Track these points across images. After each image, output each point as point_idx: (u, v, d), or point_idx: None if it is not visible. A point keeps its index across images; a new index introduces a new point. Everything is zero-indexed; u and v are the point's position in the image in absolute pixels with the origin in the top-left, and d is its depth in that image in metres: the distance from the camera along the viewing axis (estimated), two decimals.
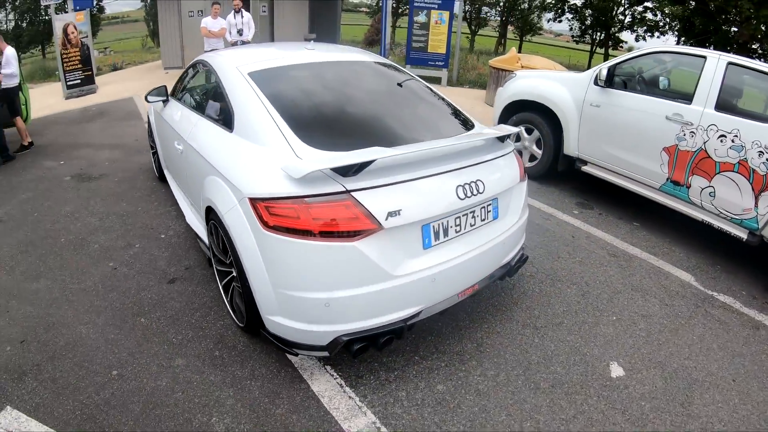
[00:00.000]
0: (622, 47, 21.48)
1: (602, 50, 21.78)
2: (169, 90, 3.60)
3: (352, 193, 1.70)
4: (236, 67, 2.41)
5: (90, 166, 5.02)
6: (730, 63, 3.09)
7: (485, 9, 28.51)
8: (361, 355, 1.92)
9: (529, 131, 4.47)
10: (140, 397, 2.00)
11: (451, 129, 2.45)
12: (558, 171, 4.41)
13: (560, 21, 23.10)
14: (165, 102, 3.56)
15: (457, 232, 2.04)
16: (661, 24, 18.41)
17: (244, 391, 2.04)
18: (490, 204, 2.20)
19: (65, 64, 8.53)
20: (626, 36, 20.96)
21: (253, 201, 1.76)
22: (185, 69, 3.54)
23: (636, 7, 19.09)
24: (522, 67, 6.57)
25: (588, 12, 21.20)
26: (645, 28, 18.97)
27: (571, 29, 23.36)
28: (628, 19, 20.36)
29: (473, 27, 28.85)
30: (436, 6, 8.36)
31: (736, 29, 11.72)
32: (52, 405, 1.94)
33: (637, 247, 3.52)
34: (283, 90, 2.25)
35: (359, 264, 1.72)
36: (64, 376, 2.10)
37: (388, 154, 1.75)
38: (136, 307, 2.62)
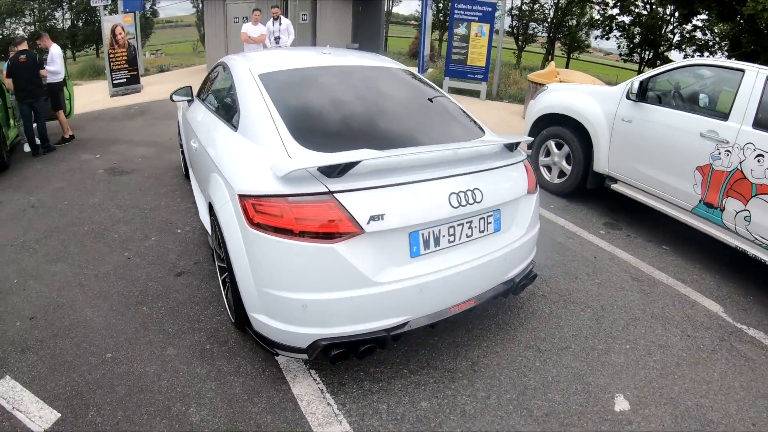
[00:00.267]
0: None
1: (650, 69, 21.16)
2: (195, 91, 3.84)
3: (335, 195, 1.73)
4: (249, 68, 2.55)
5: (123, 161, 5.41)
6: None
7: (533, 24, 28.55)
8: (339, 361, 1.93)
9: (559, 146, 4.38)
10: (127, 381, 2.12)
11: (456, 135, 2.45)
12: (587, 189, 4.28)
13: (608, 38, 22.90)
14: (190, 102, 3.80)
15: (450, 242, 2.02)
16: (710, 43, 17.75)
17: (225, 386, 2.12)
18: (490, 215, 2.17)
19: (112, 64, 9.29)
20: (675, 55, 20.30)
21: (242, 198, 1.84)
22: (210, 70, 3.77)
23: (685, 26, 18.57)
24: (560, 81, 6.47)
25: (636, 30, 20.97)
26: (694, 47, 18.34)
27: (619, 47, 22.97)
28: (677, 38, 19.90)
29: (520, 42, 28.97)
30: (477, 18, 8.42)
31: None
32: (47, 379, 2.10)
33: (664, 272, 3.34)
34: (288, 91, 2.35)
35: (338, 267, 1.74)
36: (62, 354, 2.27)
37: (373, 156, 1.78)
38: (140, 296, 2.79)
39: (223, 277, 2.56)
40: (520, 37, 28.82)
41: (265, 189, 1.78)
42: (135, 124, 7.36)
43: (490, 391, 2.16)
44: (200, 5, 25.79)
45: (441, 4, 25.39)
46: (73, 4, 28.73)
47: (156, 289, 2.87)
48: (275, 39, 8.65)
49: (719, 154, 3.02)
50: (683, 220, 3.38)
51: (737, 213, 2.99)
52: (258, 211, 1.78)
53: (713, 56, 17.38)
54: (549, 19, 27.12)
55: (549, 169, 4.59)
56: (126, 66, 9.51)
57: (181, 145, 4.68)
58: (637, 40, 21.27)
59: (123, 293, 2.82)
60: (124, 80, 9.54)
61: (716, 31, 15.58)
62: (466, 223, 2.06)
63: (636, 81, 3.53)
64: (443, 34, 25.51)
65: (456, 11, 8.52)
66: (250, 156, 2.06)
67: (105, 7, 9.74)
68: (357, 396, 2.08)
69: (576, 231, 3.88)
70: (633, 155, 3.63)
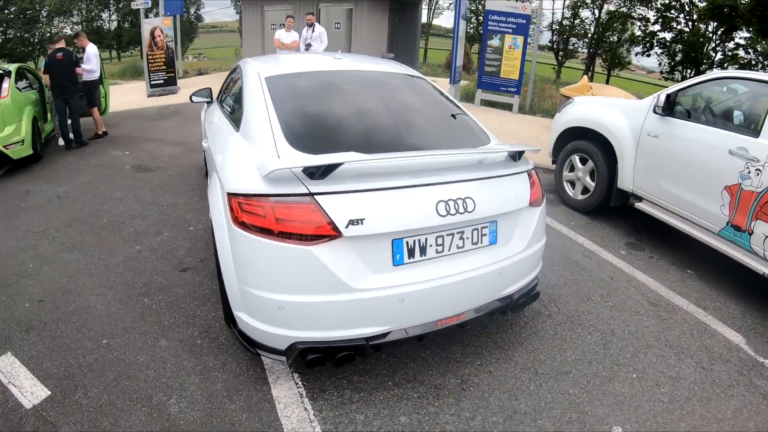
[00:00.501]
0: None
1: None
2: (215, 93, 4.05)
3: (315, 197, 1.76)
4: (258, 71, 2.67)
5: (151, 159, 5.74)
6: None
7: (573, 40, 28.40)
8: (316, 366, 1.96)
9: (583, 161, 4.29)
10: (117, 367, 2.24)
11: (457, 143, 2.45)
12: (611, 207, 4.15)
13: (648, 55, 22.62)
14: (209, 103, 4.00)
15: (438, 252, 2.01)
16: (753, 62, 16.99)
17: (208, 381, 2.20)
18: (485, 227, 2.15)
19: (150, 65, 9.90)
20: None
21: (230, 196, 1.92)
22: (228, 73, 3.97)
23: (727, 44, 17.98)
24: (593, 95, 6.33)
25: (677, 47, 20.64)
26: (737, 66, 17.65)
27: (660, 65, 22.49)
28: (718, 56, 19.34)
29: (560, 58, 28.87)
30: (510, 30, 8.41)
31: None
32: (44, 359, 2.26)
33: (685, 297, 3.18)
34: (290, 94, 2.44)
35: (314, 270, 1.76)
36: (62, 336, 2.44)
37: (356, 159, 1.82)
38: (144, 288, 2.95)
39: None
40: (560, 53, 28.81)
41: (250, 188, 1.85)
42: (167, 123, 7.79)
43: (476, 412, 2.12)
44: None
45: (481, 17, 25.62)
46: (120, 6, 30.81)
47: (160, 282, 3.03)
48: (306, 46, 8.93)
49: (749, 173, 2.87)
50: (708, 243, 3.22)
51: (767, 237, 2.82)
52: (244, 210, 1.84)
53: None
54: (589, 35, 27.00)
55: (573, 184, 4.50)
56: (164, 68, 10.09)
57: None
58: (678, 57, 20.97)
59: (128, 284, 2.98)
60: (161, 81, 10.13)
61: (759, 49, 14.93)
62: (457, 233, 2.05)
63: (663, 94, 3.42)
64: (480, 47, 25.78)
65: (490, 23, 8.55)
66: (244, 156, 2.14)
67: (149, 9, 10.40)
68: (335, 404, 2.10)
69: (595, 250, 3.77)
70: (658, 172, 3.50)
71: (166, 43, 9.96)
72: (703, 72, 19.68)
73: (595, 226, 4.21)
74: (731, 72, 3.37)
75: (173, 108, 9.00)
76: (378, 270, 1.89)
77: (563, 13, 28.52)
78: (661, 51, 21.82)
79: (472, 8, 25.97)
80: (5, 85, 4.89)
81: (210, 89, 3.97)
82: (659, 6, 20.38)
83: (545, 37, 30.09)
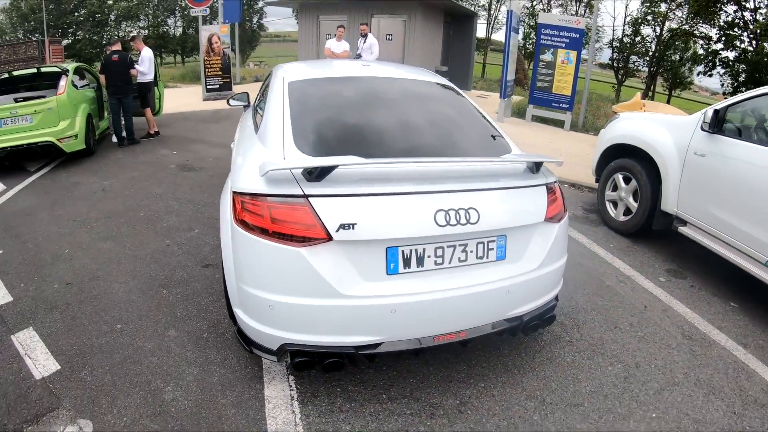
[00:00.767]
0: None
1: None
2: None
3: (310, 199, 1.79)
4: (284, 76, 2.80)
5: (196, 160, 6.13)
6: None
7: (633, 58, 27.57)
8: (303, 369, 2.00)
9: (627, 180, 4.10)
10: (125, 351, 2.41)
11: (474, 151, 2.42)
12: (653, 230, 3.92)
13: (710, 75, 21.41)
14: (246, 107, 4.23)
15: (437, 264, 1.98)
16: None
17: (206, 373, 2.30)
18: (492, 240, 2.09)
19: (207, 70, 10.61)
20: None
21: (235, 195, 2.01)
22: (265, 78, 4.19)
23: None
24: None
25: (741, 67, 19.27)
26: None
27: (722, 85, 21.13)
28: None
29: (620, 76, 28.19)
30: (563, 45, 8.25)
31: None
32: (61, 336, 2.47)
33: (725, 332, 2.91)
34: (308, 98, 2.53)
35: (303, 273, 1.79)
36: (81, 318, 2.65)
37: (351, 162, 1.85)
38: (165, 280, 3.14)
39: None
40: (620, 71, 28.16)
41: (251, 188, 1.92)
42: (218, 127, 8.29)
43: None
44: None
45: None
46: (185, 12, 33.23)
47: (181, 276, 3.21)
48: (357, 56, 9.19)
49: None
50: (755, 274, 2.95)
51: None
52: (245, 209, 1.92)
53: None
54: (650, 53, 26.14)
55: (615, 204, 4.31)
56: (219, 73, 10.78)
57: None
58: (742, 78, 19.56)
59: (151, 275, 3.20)
60: (217, 86, 10.81)
61: None
62: (459, 245, 2.01)
63: (711, 109, 3.21)
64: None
65: (542, 36, 8.43)
66: (255, 157, 2.23)
67: (206, 17, 11.19)
68: (324, 410, 2.11)
69: (631, 275, 3.56)
70: (705, 194, 3.27)
71: (223, 50, 10.64)
72: None
73: (636, 250, 3.99)
74: None
75: (225, 112, 9.56)
76: (370, 278, 1.88)
77: (624, 30, 27.96)
78: (723, 71, 20.67)
79: (531, 23, 25.76)
80: (62, 82, 5.46)
81: (247, 93, 4.20)
82: (722, 24, 19.35)
83: (605, 55, 29.47)
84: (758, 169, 2.90)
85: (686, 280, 3.57)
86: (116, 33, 30.71)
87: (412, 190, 1.91)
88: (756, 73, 18.30)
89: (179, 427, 1.97)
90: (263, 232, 1.85)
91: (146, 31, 32.64)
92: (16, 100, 5.43)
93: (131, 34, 30.07)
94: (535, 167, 2.29)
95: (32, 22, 29.19)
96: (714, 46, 20.72)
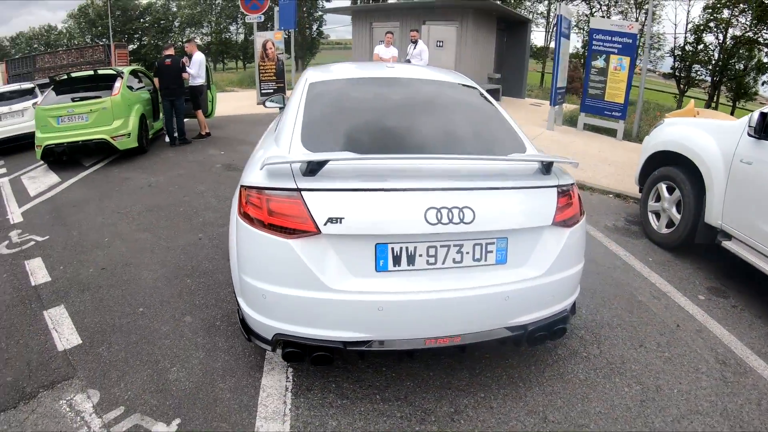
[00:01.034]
0: None
1: None
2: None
3: (302, 192, 1.86)
4: (307, 78, 2.93)
5: (242, 160, 6.41)
6: None
7: (696, 67, 25.99)
8: (293, 361, 2.06)
9: (670, 190, 3.85)
10: (142, 333, 2.60)
11: (480, 150, 2.38)
12: (698, 244, 3.65)
13: None
14: (282, 109, 4.43)
15: (430, 264, 1.97)
16: None
17: (211, 359, 2.43)
18: (491, 242, 2.04)
19: (261, 75, 11.17)
20: None
21: (241, 188, 2.12)
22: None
23: None
24: None
25: None
26: None
27: None
28: None
29: (682, 86, 26.76)
30: (616, 51, 7.88)
31: None
32: (87, 314, 2.72)
33: (765, 359, 2.63)
34: (323, 98, 2.61)
35: (292, 264, 1.85)
36: (108, 299, 2.90)
37: (341, 158, 1.90)
38: (190, 270, 3.36)
39: None
40: (681, 81, 26.77)
41: (254, 182, 2.03)
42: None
43: None
44: None
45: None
46: (247, 20, 35.19)
47: (206, 267, 3.42)
48: (406, 62, 9.30)
49: None
50: None
51: None
52: (249, 202, 2.02)
53: None
54: (713, 62, 24.58)
55: (658, 216, 4.05)
56: (273, 78, 11.31)
57: None
58: None
59: (179, 265, 3.42)
60: (271, 90, 11.35)
61: None
62: (454, 246, 1.98)
63: (757, 113, 2.94)
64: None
65: (594, 42, 8.11)
66: (265, 154, 2.35)
67: (265, 24, 11.79)
68: (315, 404, 2.16)
69: (668, 291, 3.32)
70: (751, 206, 2.98)
71: (277, 56, 11.17)
72: None
73: (677, 265, 3.72)
74: None
75: (276, 115, 10.00)
76: (359, 274, 1.91)
77: (686, 37, 26.40)
78: None
79: (586, 28, 24.97)
80: (117, 84, 6.00)
81: (283, 95, 4.40)
82: None
83: (667, 64, 27.79)
84: None
85: (728, 299, 3.29)
86: (180, 39, 32.95)
87: (403, 186, 1.92)
88: None
89: (176, 404, 2.10)
90: (260, 223, 1.94)
91: (209, 37, 34.56)
92: (73, 100, 6.03)
93: (195, 40, 32.18)
94: (546, 168, 2.21)
95: (99, 28, 31.95)
96: None
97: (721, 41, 24.47)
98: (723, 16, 23.76)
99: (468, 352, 2.51)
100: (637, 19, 25.67)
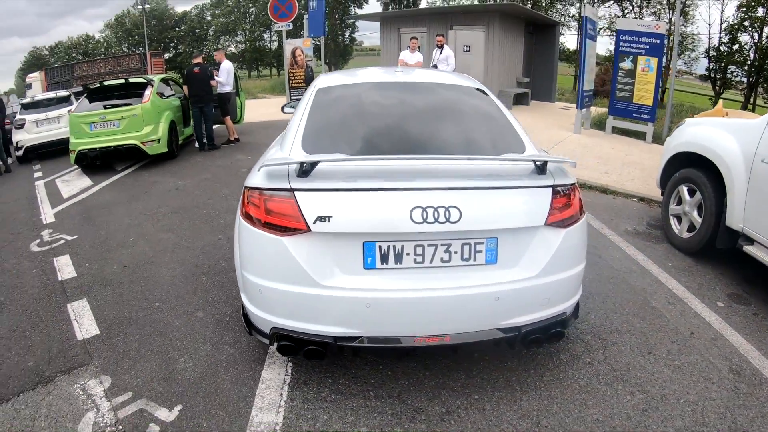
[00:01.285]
0: None
1: None
2: None
3: (295, 192, 1.96)
4: (317, 83, 3.04)
5: None
6: None
7: (731, 68, 24.82)
8: (287, 354, 2.15)
9: (691, 193, 3.74)
10: (156, 325, 2.77)
11: (473, 150, 2.39)
12: (721, 249, 3.51)
13: None
14: None
15: (417, 263, 2.01)
16: None
17: (217, 351, 2.56)
18: (480, 242, 2.05)
19: (291, 81, 11.48)
20: None
21: (244, 189, 2.24)
22: None
23: None
24: None
25: None
26: None
27: None
28: None
29: (718, 87, 25.68)
30: (643, 51, 7.66)
31: None
32: (107, 307, 2.93)
33: None
34: (328, 103, 2.71)
35: (285, 260, 1.95)
36: (128, 294, 3.10)
37: (331, 159, 1.99)
38: (207, 269, 3.53)
39: None
40: (717, 82, 25.66)
41: (254, 183, 2.15)
42: None
43: None
44: None
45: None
46: (275, 27, 36.11)
47: (222, 266, 3.58)
48: (433, 67, 9.35)
49: None
50: None
51: None
52: (249, 202, 2.15)
53: None
54: (749, 62, 23.39)
55: (680, 219, 3.93)
56: (303, 84, 11.58)
57: None
58: None
59: (197, 264, 3.61)
60: (300, 97, 11.64)
61: None
62: (442, 245, 2.02)
63: None
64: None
65: (621, 43, 7.91)
66: (268, 157, 2.48)
67: (297, 31, 12.11)
68: (310, 398, 2.24)
69: (685, 297, 3.21)
70: None
71: (306, 62, 11.46)
72: None
73: (697, 271, 3.59)
74: None
75: None
76: (348, 271, 1.99)
77: (720, 38, 25.21)
78: None
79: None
80: (147, 92, 6.35)
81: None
82: None
83: (701, 65, 26.62)
84: None
85: (750, 306, 3.14)
86: (215, 47, 34.12)
87: (389, 186, 1.98)
88: None
89: (180, 392, 2.24)
90: (259, 222, 2.06)
91: (242, 45, 35.47)
92: (105, 107, 6.42)
93: (229, 49, 33.01)
94: (541, 168, 2.18)
95: (135, 37, 33.35)
96: None
97: (756, 41, 23.45)
98: (758, 14, 22.74)
99: (465, 354, 2.54)
100: (670, 20, 24.90)
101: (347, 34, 37.58)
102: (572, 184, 2.24)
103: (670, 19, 25.48)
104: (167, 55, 31.61)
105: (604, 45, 29.56)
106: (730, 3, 25.38)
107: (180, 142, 7.30)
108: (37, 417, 2.10)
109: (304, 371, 2.41)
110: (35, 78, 19.26)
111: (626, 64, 7.85)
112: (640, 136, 8.12)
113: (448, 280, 2.03)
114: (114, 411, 2.11)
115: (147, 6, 32.38)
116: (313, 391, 2.29)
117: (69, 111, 7.35)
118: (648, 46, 7.60)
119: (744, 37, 24.27)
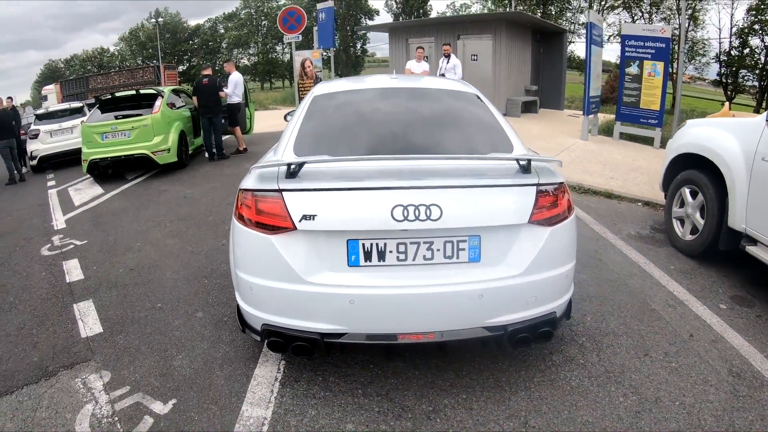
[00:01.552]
0: None
1: None
2: None
3: (282, 192, 2.06)
4: (314, 91, 3.16)
5: None
6: None
7: (743, 72, 24.63)
8: (277, 350, 2.22)
9: (693, 194, 3.72)
10: (157, 325, 2.88)
11: (460, 150, 2.43)
12: (726, 252, 3.48)
13: None
14: None
15: (400, 260, 2.07)
16: None
17: (214, 349, 2.65)
18: (463, 240, 2.09)
19: (300, 92, 11.74)
20: None
21: (239, 191, 2.34)
22: None
23: None
24: None
25: None
26: None
27: None
28: None
29: (729, 92, 25.42)
30: (649, 56, 7.67)
31: None
32: (111, 308, 3.05)
33: None
34: (321, 109, 2.82)
35: (273, 258, 2.04)
36: (131, 295, 3.22)
37: (316, 159, 2.09)
38: (209, 272, 3.64)
39: None
40: (728, 87, 25.46)
41: (247, 185, 2.26)
42: None
43: None
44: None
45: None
46: (285, 39, 36.68)
47: (224, 269, 3.68)
48: (440, 76, 9.45)
49: None
50: None
51: None
52: (243, 203, 2.25)
53: None
54: (760, 66, 23.20)
55: (682, 222, 3.92)
56: None
57: None
58: None
59: (200, 267, 3.72)
60: None
61: None
62: (424, 243, 2.07)
63: None
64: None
65: (627, 48, 7.93)
66: (263, 162, 2.59)
67: (304, 43, 12.37)
68: (299, 395, 2.30)
69: (686, 300, 3.19)
70: None
71: (315, 73, 11.71)
72: None
73: (700, 273, 3.56)
74: None
75: None
76: (333, 268, 2.06)
77: (730, 42, 24.96)
78: None
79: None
80: (158, 103, 6.57)
81: None
82: None
83: (713, 70, 26.32)
84: None
85: (753, 308, 3.10)
86: (227, 59, 34.89)
87: (371, 185, 2.05)
88: None
89: (175, 387, 2.32)
90: (250, 222, 2.15)
91: (255, 57, 36.01)
92: (116, 118, 6.65)
93: (242, 61, 33.49)
94: (525, 167, 2.21)
95: (149, 50, 34.10)
96: None
97: (767, 44, 23.27)
98: (767, 17, 22.58)
99: (456, 355, 2.56)
100: (680, 26, 24.80)
101: (359, 45, 38.14)
102: (559, 183, 2.24)
103: (680, 24, 25.42)
104: (181, 68, 32.39)
105: (614, 52, 29.42)
106: (740, 6, 25.11)
107: (190, 152, 7.50)
108: (38, 408, 2.22)
109: (295, 369, 2.48)
110: (51, 90, 19.85)
111: (632, 69, 7.85)
112: (648, 141, 8.08)
113: (431, 278, 2.07)
114: (111, 403, 2.21)
115: (161, 20, 33.36)
116: (303, 388, 2.35)
117: (82, 122, 7.64)
118: (654, 51, 7.60)
119: (755, 41, 24.15)
